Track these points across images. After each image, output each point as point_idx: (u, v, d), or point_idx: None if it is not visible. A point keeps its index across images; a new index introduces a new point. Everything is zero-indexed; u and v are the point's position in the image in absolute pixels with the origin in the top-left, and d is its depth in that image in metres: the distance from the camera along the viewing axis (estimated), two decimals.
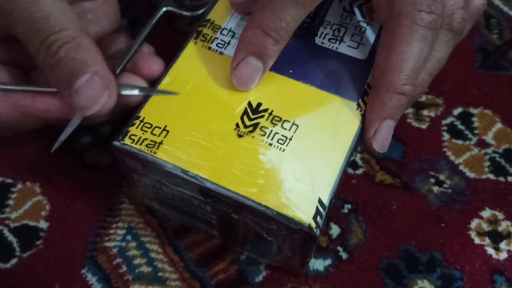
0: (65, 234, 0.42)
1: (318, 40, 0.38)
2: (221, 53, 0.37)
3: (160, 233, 0.42)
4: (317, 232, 0.31)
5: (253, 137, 0.33)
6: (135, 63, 0.39)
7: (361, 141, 0.36)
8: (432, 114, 0.47)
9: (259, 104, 0.35)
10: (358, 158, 0.45)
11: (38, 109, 0.36)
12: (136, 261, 0.41)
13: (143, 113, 0.35)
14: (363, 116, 0.35)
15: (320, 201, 0.32)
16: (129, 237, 0.42)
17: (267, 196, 0.31)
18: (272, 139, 0.33)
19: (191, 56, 0.37)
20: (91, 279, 0.40)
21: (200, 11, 0.41)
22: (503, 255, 0.41)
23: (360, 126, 0.35)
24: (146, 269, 0.40)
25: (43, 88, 0.36)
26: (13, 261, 0.40)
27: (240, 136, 0.33)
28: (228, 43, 0.37)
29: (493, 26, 0.52)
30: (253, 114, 0.34)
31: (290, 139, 0.33)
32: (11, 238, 0.41)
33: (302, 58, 0.37)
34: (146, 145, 0.33)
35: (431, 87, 0.48)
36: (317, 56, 0.37)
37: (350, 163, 0.44)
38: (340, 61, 0.37)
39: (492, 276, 0.40)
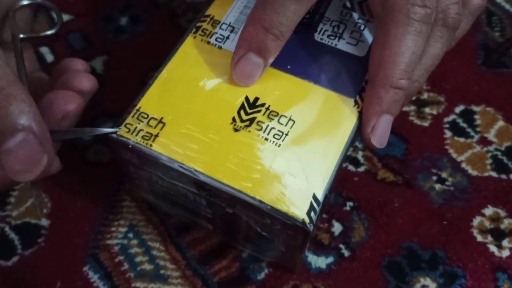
0: (66, 231, 0.42)
1: (317, 36, 0.38)
2: (220, 47, 0.37)
3: (162, 230, 0.42)
4: (311, 227, 0.31)
5: (249, 131, 0.33)
6: (66, 79, 0.35)
7: (359, 138, 0.36)
8: (434, 111, 0.47)
9: (256, 99, 0.35)
10: (360, 155, 0.45)
11: None
12: (138, 259, 0.41)
13: (140, 104, 0.35)
14: (360, 112, 0.35)
15: (314, 197, 0.32)
16: (130, 235, 0.42)
17: (261, 190, 0.31)
18: (268, 134, 0.33)
19: (189, 50, 0.37)
20: (93, 276, 0.40)
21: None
22: (505, 253, 0.41)
23: (356, 123, 0.35)
24: (148, 266, 0.41)
25: None
26: (15, 258, 0.41)
27: (236, 130, 0.33)
28: (227, 38, 0.37)
29: (495, 24, 0.52)
30: (250, 109, 0.34)
31: (286, 135, 0.33)
32: (12, 235, 0.42)
33: (300, 54, 0.37)
34: (142, 137, 0.33)
35: (433, 84, 0.48)
36: (315, 52, 0.37)
37: (352, 161, 0.44)
38: (339, 57, 0.37)
39: (495, 273, 0.40)
